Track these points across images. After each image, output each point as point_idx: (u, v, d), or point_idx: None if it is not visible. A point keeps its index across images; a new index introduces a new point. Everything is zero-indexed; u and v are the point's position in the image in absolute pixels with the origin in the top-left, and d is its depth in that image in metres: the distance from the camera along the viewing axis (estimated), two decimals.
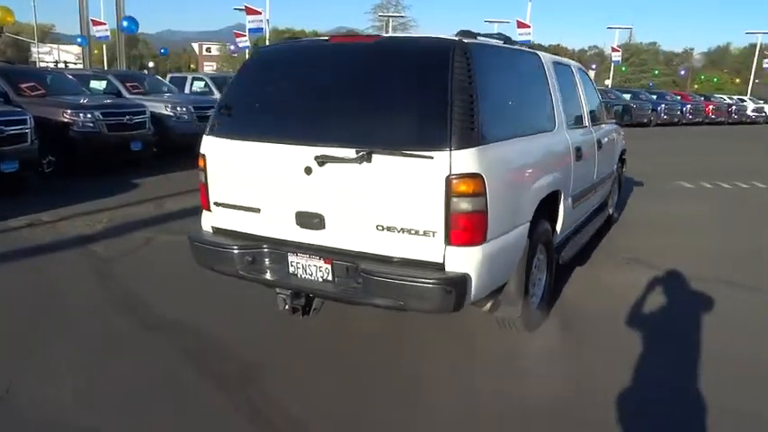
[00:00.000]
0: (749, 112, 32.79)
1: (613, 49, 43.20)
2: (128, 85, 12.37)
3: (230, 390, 3.11)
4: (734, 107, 32.14)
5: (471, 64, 2.97)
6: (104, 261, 5.24)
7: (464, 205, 2.82)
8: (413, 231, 2.93)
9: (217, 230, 3.59)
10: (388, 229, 2.99)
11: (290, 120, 3.28)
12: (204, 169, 3.54)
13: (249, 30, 34.55)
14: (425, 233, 2.91)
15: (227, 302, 4.26)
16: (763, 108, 33.64)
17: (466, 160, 2.80)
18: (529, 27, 34.70)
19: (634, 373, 3.32)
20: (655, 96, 29.32)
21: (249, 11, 32.86)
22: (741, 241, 6.46)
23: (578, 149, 4.40)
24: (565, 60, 4.99)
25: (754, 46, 52.72)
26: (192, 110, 11.77)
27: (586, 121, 4.93)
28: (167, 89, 13.73)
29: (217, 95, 14.16)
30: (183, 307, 4.19)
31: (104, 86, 12.39)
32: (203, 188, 3.60)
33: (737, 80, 63.27)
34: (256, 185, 3.35)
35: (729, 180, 10.56)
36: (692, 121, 28.29)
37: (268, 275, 3.35)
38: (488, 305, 3.41)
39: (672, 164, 12.90)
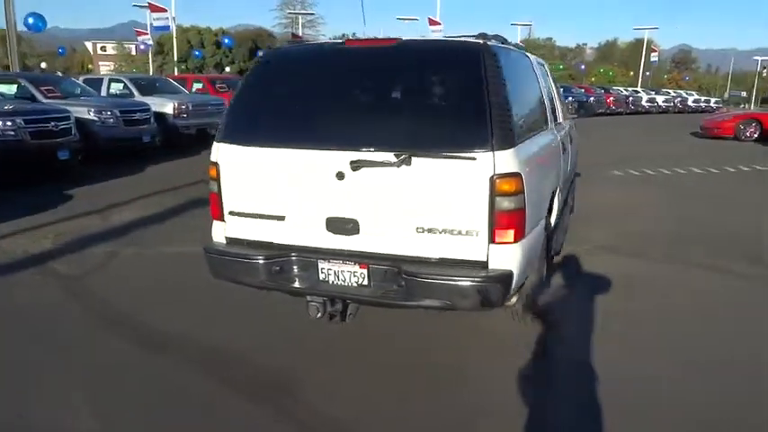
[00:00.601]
0: (644, 103, 35.64)
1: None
2: (42, 88, 11.46)
3: (264, 402, 3.05)
4: (630, 98, 34.75)
5: (500, 65, 3.07)
6: (73, 280, 4.88)
7: (507, 204, 2.91)
8: (455, 232, 2.99)
9: (233, 241, 3.46)
10: (429, 230, 3.02)
11: (318, 125, 3.22)
12: (217, 178, 3.40)
13: (154, 27, 32.89)
14: (468, 233, 2.97)
15: (226, 311, 4.13)
16: (655, 99, 36.72)
17: (507, 160, 2.89)
18: (440, 24, 35.60)
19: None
20: (562, 90, 30.98)
21: (153, 8, 31.17)
22: (700, 222, 7.05)
23: (563, 144, 4.63)
24: (540, 59, 5.21)
25: (639, 40, 57.31)
26: (119, 114, 11.24)
27: (561, 117, 5.19)
28: (82, 92, 12.90)
29: (138, 97, 13.49)
30: (183, 320, 4.01)
31: (15, 91, 11.45)
32: (215, 198, 3.46)
33: (631, 73, 68.08)
34: (281, 193, 3.26)
35: (654, 167, 11.45)
36: (596, 113, 30.20)
37: (297, 284, 3.28)
38: (515, 299, 3.53)
39: (598, 153, 13.72)
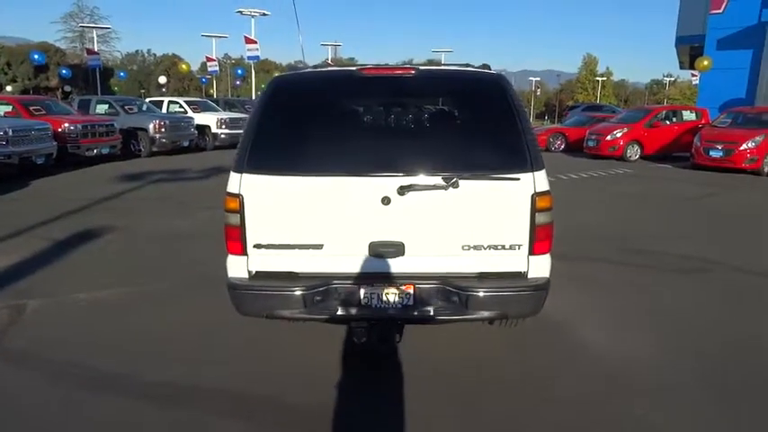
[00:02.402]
0: None
1: (327, 63, 46.87)
2: None
3: None
4: None
5: (515, 94, 3.42)
6: None
7: (543, 218, 3.24)
8: (499, 247, 3.24)
9: (259, 275, 3.31)
10: (474, 247, 3.23)
11: (358, 152, 3.22)
12: (240, 210, 3.22)
13: None
14: (511, 247, 3.24)
15: (220, 353, 3.87)
16: None
17: (542, 179, 3.22)
18: (256, 43, 35.60)
19: None
20: None
21: None
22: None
23: None
24: None
25: (430, 60, 63.15)
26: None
27: None
28: None
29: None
30: (173, 367, 3.65)
31: None
32: (235, 231, 3.27)
33: None
34: (318, 221, 3.21)
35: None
36: None
37: (340, 311, 3.25)
38: None
39: None
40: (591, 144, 18.01)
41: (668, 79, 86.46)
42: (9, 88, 51.89)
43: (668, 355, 3.92)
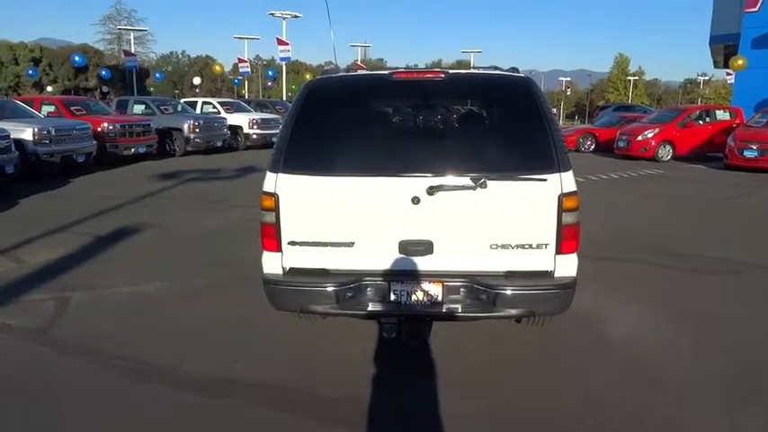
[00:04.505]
0: None
1: (357, 66, 47.18)
2: None
3: None
4: None
5: (543, 96, 3.47)
6: (39, 334, 4.28)
7: (570, 218, 3.27)
8: (526, 246, 3.28)
9: (293, 271, 3.42)
10: (502, 246, 3.29)
11: (391, 154, 3.32)
12: (275, 209, 3.33)
13: None
14: (539, 246, 3.28)
15: (249, 343, 4.00)
16: None
17: (569, 180, 3.25)
18: (287, 44, 36.02)
19: None
20: None
21: None
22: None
23: None
24: None
25: (459, 61, 63.09)
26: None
27: None
28: None
29: None
30: (211, 359, 3.77)
31: None
32: (270, 229, 3.38)
33: None
34: (351, 219, 3.30)
35: None
36: None
37: (371, 307, 3.34)
38: None
39: None
40: (622, 144, 17.78)
41: (702, 78, 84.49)
42: (50, 89, 53.43)
43: (701, 357, 3.90)
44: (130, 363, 3.77)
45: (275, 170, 3.33)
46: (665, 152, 17.18)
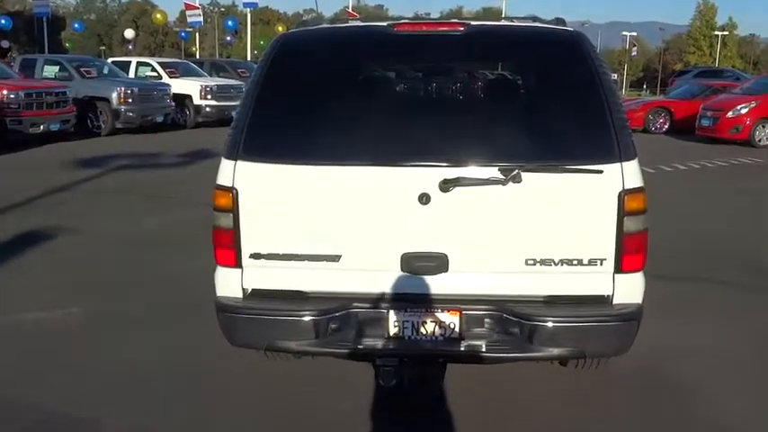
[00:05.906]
0: None
1: (349, 14, 47.42)
2: None
3: None
4: None
5: (600, 58, 3.46)
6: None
7: (634, 225, 3.24)
8: (574, 262, 3.27)
9: (256, 293, 3.41)
10: (542, 262, 3.27)
11: (389, 134, 3.30)
12: (233, 209, 3.31)
13: None
14: (591, 262, 3.27)
15: (192, 395, 4.00)
16: None
17: (634, 172, 3.22)
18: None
19: None
20: None
21: None
22: None
23: None
24: None
25: (486, 9, 63.67)
26: None
27: None
28: None
29: None
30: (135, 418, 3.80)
31: None
32: (225, 237, 3.36)
33: None
34: (336, 225, 3.29)
35: None
36: None
37: (363, 344, 3.33)
38: None
39: None
40: (705, 123, 17.84)
41: None
42: None
43: None
44: (37, 415, 3.77)
45: (233, 157, 3.31)
46: (765, 134, 17.19)
